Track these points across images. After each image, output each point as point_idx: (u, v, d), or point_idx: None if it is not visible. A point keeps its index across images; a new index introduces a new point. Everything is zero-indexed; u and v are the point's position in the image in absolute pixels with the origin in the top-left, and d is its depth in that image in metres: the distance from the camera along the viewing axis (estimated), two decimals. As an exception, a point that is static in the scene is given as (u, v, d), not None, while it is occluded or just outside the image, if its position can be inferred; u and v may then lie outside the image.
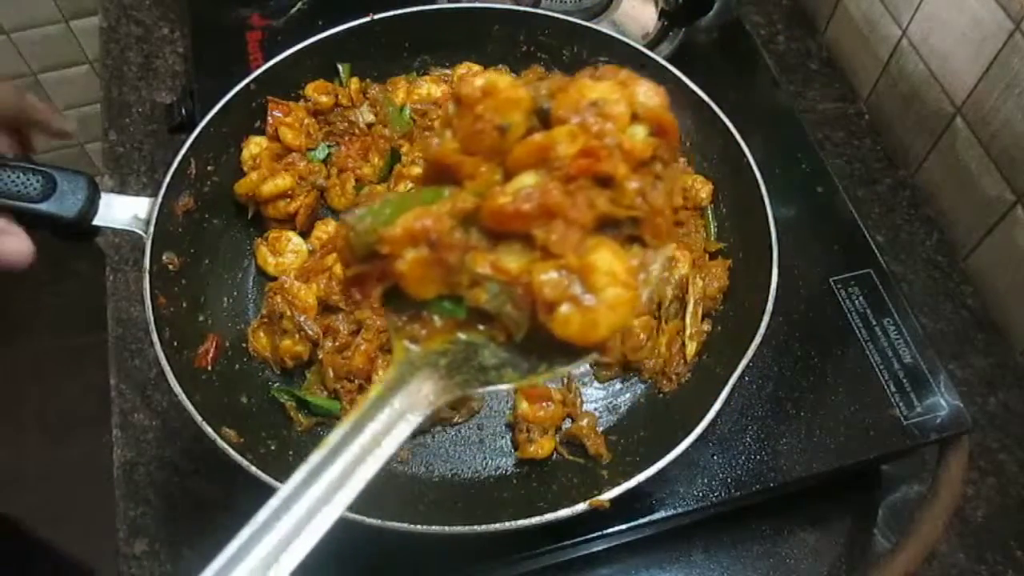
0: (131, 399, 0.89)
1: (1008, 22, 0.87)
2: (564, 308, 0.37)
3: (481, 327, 0.41)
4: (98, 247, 1.01)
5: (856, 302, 0.82)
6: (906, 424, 0.75)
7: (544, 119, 0.40)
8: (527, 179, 0.39)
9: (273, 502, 0.37)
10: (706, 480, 0.73)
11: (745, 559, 0.79)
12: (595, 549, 0.75)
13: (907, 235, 1.03)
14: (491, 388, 0.42)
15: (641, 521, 0.70)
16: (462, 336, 0.41)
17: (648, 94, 0.40)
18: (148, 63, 1.16)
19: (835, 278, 0.84)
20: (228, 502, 0.81)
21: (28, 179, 0.66)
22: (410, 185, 0.84)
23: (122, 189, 1.04)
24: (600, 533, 0.70)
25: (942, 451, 0.76)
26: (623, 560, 0.79)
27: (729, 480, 0.73)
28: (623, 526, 0.70)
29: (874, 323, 0.81)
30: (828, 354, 0.80)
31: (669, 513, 0.71)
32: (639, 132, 0.40)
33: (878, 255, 0.85)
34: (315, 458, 0.38)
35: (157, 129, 1.09)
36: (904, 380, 0.77)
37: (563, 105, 0.39)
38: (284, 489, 0.37)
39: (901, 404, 0.76)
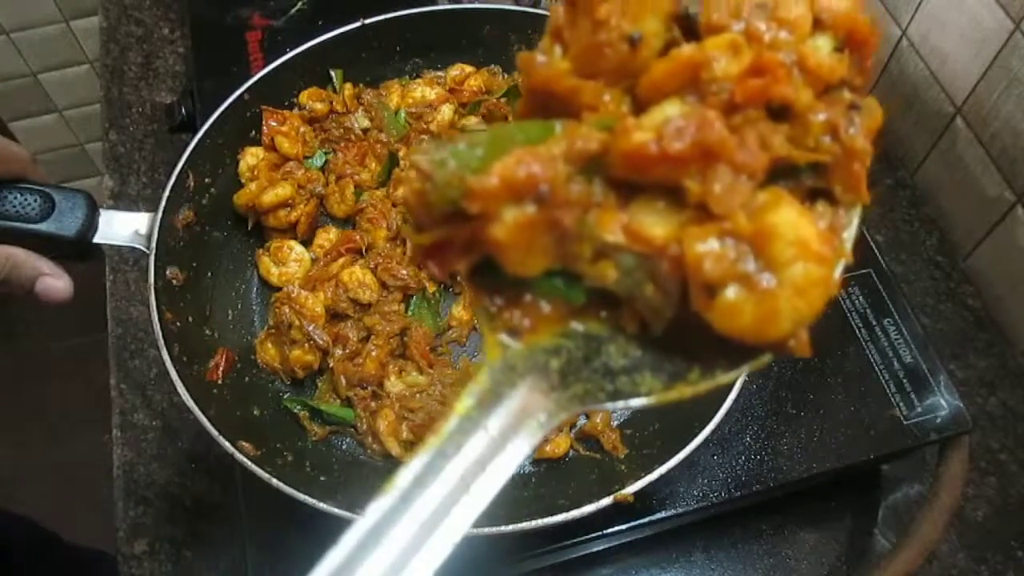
0: (131, 399, 0.89)
1: (1008, 22, 0.87)
2: (731, 292, 0.27)
3: (603, 314, 0.30)
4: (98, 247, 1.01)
5: (856, 302, 0.82)
6: (906, 424, 0.75)
7: (689, 29, 0.29)
8: (671, 109, 0.28)
9: (320, 573, 0.27)
10: (706, 480, 0.73)
11: (745, 559, 0.79)
12: (595, 549, 0.75)
13: (907, 235, 1.03)
14: (623, 404, 0.30)
15: (641, 521, 0.70)
16: (578, 327, 0.30)
17: None
18: (148, 63, 1.16)
19: (835, 278, 0.84)
20: (228, 502, 0.81)
21: (26, 199, 0.65)
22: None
23: (122, 189, 1.04)
24: (600, 533, 0.70)
25: (942, 451, 0.76)
26: (623, 560, 0.79)
27: (729, 480, 0.73)
28: (623, 526, 0.70)
29: (874, 323, 0.81)
30: (828, 354, 0.80)
31: (669, 513, 0.71)
32: (824, 45, 0.29)
33: (878, 255, 0.85)
34: (377, 509, 0.27)
35: (157, 129, 1.09)
36: (904, 380, 0.77)
37: (718, 8, 0.29)
38: (333, 558, 0.27)
39: (901, 404, 0.76)
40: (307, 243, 0.84)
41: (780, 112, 0.28)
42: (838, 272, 0.29)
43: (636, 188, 0.28)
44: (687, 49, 0.28)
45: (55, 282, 0.65)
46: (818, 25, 0.29)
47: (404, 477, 0.28)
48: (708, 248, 0.27)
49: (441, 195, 0.28)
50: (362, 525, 0.27)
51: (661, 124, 0.27)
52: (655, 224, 0.28)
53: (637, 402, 0.30)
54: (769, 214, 0.27)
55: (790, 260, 0.26)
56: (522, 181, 0.27)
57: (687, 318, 0.28)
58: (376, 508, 0.27)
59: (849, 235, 0.30)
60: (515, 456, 0.29)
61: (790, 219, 0.27)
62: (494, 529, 0.62)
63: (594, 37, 0.29)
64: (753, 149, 0.27)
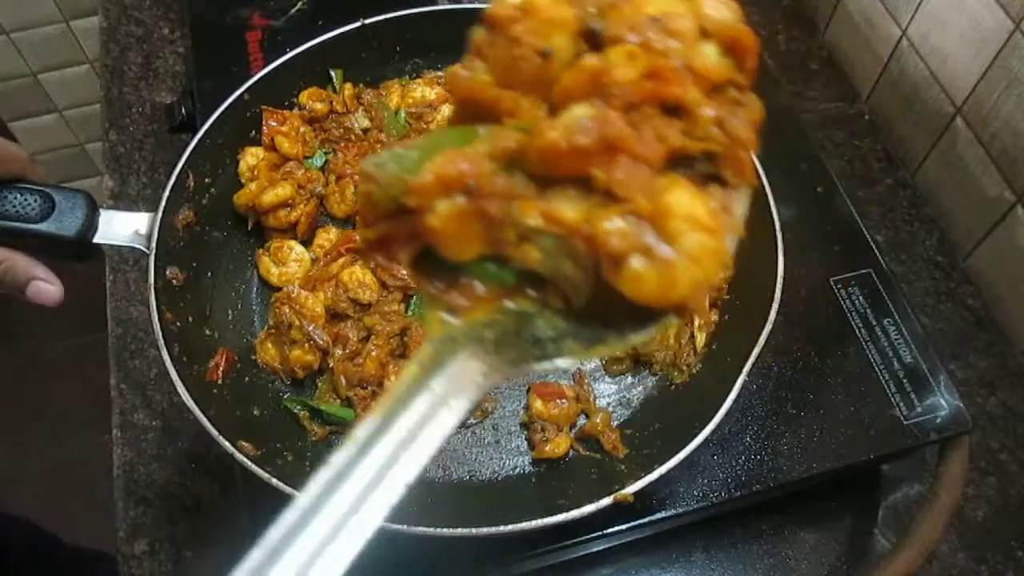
0: (131, 399, 0.89)
1: (1008, 22, 0.87)
2: (635, 262, 0.31)
3: (532, 293, 0.34)
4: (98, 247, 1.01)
5: (856, 302, 0.82)
6: (906, 424, 0.75)
7: (594, 43, 0.34)
8: (579, 111, 0.32)
9: (289, 517, 0.30)
10: (706, 480, 0.73)
11: (745, 559, 0.79)
12: (595, 549, 0.75)
13: (907, 235, 1.03)
14: (550, 364, 0.35)
15: (641, 521, 0.70)
16: (510, 305, 0.35)
17: (717, 6, 0.34)
18: (148, 63, 1.16)
19: (835, 278, 0.84)
20: (228, 502, 0.81)
21: (26, 199, 0.65)
22: None
23: (122, 189, 1.04)
24: (600, 533, 0.70)
25: (942, 451, 0.76)
26: (623, 560, 0.79)
27: (729, 480, 0.73)
28: (623, 526, 0.70)
29: (874, 323, 0.81)
30: (828, 354, 0.80)
31: (669, 513, 0.71)
32: (711, 51, 0.34)
33: (878, 255, 0.85)
34: (338, 460, 0.31)
35: (157, 129, 1.09)
36: (904, 380, 0.77)
37: (618, 23, 0.33)
38: (302, 500, 0.31)
39: (901, 404, 0.76)
40: (307, 243, 0.84)
41: (675, 109, 0.33)
42: (730, 244, 0.34)
43: (552, 180, 0.33)
44: (591, 60, 0.33)
45: (47, 286, 0.66)
46: (705, 35, 0.34)
47: (362, 431, 0.32)
48: (614, 226, 0.31)
49: (384, 193, 0.33)
50: (328, 471, 0.31)
51: (570, 124, 0.32)
52: (569, 209, 0.32)
53: (562, 362, 0.35)
54: (665, 195, 0.31)
55: (684, 233, 0.31)
56: (452, 177, 0.32)
57: (603, 292, 0.32)
58: (339, 457, 0.32)
59: (740, 212, 0.34)
60: (456, 411, 0.33)
61: (683, 199, 0.31)
62: (494, 529, 0.62)
63: (511, 52, 0.34)
64: (649, 141, 0.32)
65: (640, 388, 0.78)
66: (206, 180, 0.80)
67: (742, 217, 0.34)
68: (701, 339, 0.77)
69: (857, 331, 0.80)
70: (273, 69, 0.84)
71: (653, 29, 0.33)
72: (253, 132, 0.85)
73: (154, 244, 0.72)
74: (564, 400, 0.74)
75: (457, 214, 0.32)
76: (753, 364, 0.68)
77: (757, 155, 0.35)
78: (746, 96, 0.34)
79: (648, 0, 0.34)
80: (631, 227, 0.31)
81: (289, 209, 0.83)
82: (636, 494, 0.64)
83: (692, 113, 0.33)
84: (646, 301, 0.31)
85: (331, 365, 0.76)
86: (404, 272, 0.79)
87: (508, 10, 0.34)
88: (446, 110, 0.89)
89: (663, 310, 0.32)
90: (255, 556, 0.30)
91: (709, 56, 0.33)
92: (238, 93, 0.82)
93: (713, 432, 0.65)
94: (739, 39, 0.34)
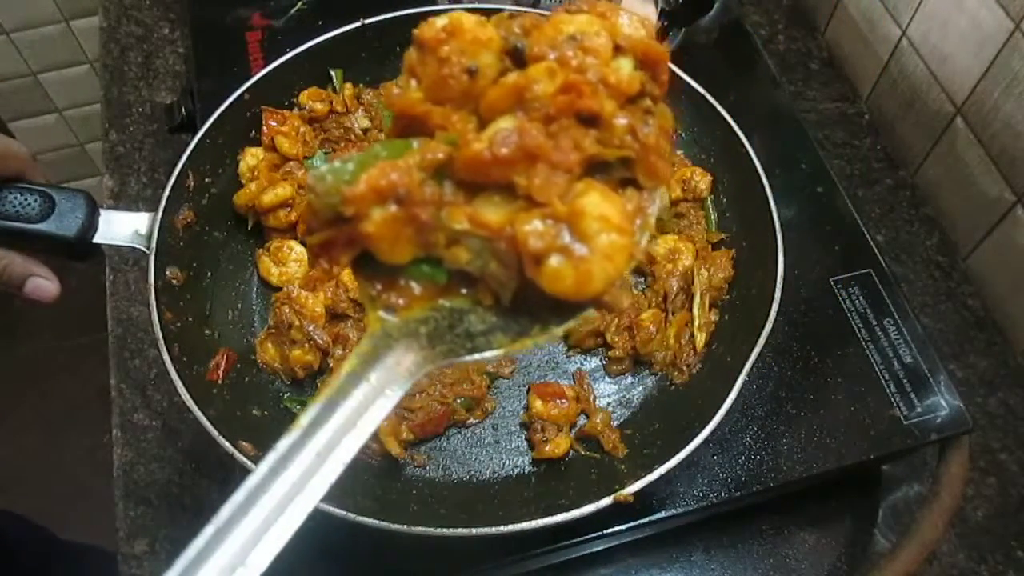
0: (131, 399, 0.89)
1: (1008, 22, 0.87)
2: (553, 260, 0.34)
3: (465, 291, 0.38)
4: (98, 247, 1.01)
5: (856, 302, 0.82)
6: (906, 424, 0.75)
7: (518, 60, 0.37)
8: (504, 124, 0.35)
9: (238, 496, 0.33)
10: (706, 480, 0.73)
11: (745, 559, 0.79)
12: (595, 549, 0.75)
13: (907, 235, 1.03)
14: (479, 356, 0.38)
15: (641, 521, 0.70)
16: (444, 303, 0.38)
17: (632, 24, 0.37)
18: (148, 63, 1.16)
19: (835, 278, 0.84)
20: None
21: (26, 199, 0.66)
22: None
23: (122, 189, 1.04)
24: (600, 533, 0.70)
25: (942, 451, 0.76)
26: (623, 560, 0.79)
27: (729, 480, 0.73)
28: (623, 526, 0.70)
29: (874, 323, 0.81)
30: (828, 354, 0.80)
31: (669, 513, 0.71)
32: (624, 65, 0.37)
33: (878, 255, 0.85)
34: (283, 444, 0.35)
35: (157, 129, 1.09)
36: (904, 380, 0.77)
37: (539, 42, 0.36)
38: (250, 480, 0.34)
39: (901, 404, 0.76)
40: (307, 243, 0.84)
41: (591, 120, 0.35)
42: (643, 241, 0.37)
43: (479, 187, 0.36)
44: (512, 76, 0.36)
45: (44, 283, 0.67)
46: (619, 50, 0.36)
47: (305, 418, 0.35)
48: (533, 228, 0.34)
49: (323, 203, 0.36)
50: (273, 455, 0.34)
51: (493, 136, 0.34)
52: (493, 213, 0.35)
53: (490, 354, 0.38)
54: (580, 199, 0.34)
55: (597, 232, 0.34)
56: (384, 187, 0.35)
57: (527, 288, 0.36)
58: (283, 442, 0.35)
59: (653, 212, 0.37)
60: (392, 398, 0.36)
61: (595, 201, 0.34)
62: (494, 529, 0.62)
63: (440, 70, 0.37)
64: (566, 150, 0.35)
65: (640, 388, 0.78)
66: (206, 180, 0.80)
67: (655, 216, 0.38)
68: (701, 339, 0.77)
69: (857, 331, 0.80)
70: (273, 69, 0.84)
71: (571, 47, 0.36)
72: (253, 132, 0.85)
73: (154, 244, 0.72)
74: (564, 400, 0.74)
75: (390, 220, 0.35)
76: (753, 364, 0.68)
77: (672, 159, 0.37)
78: (658, 106, 0.37)
79: (568, 20, 0.37)
80: (549, 228, 0.34)
81: (289, 209, 0.82)
82: (636, 494, 0.64)
83: (607, 123, 0.36)
84: (565, 295, 0.35)
85: (331, 365, 0.76)
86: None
87: (435, 31, 0.37)
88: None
89: (582, 303, 0.36)
90: (207, 531, 0.33)
91: (623, 70, 0.36)
92: (238, 93, 0.82)
93: (713, 432, 0.65)
94: (651, 54, 0.37)
